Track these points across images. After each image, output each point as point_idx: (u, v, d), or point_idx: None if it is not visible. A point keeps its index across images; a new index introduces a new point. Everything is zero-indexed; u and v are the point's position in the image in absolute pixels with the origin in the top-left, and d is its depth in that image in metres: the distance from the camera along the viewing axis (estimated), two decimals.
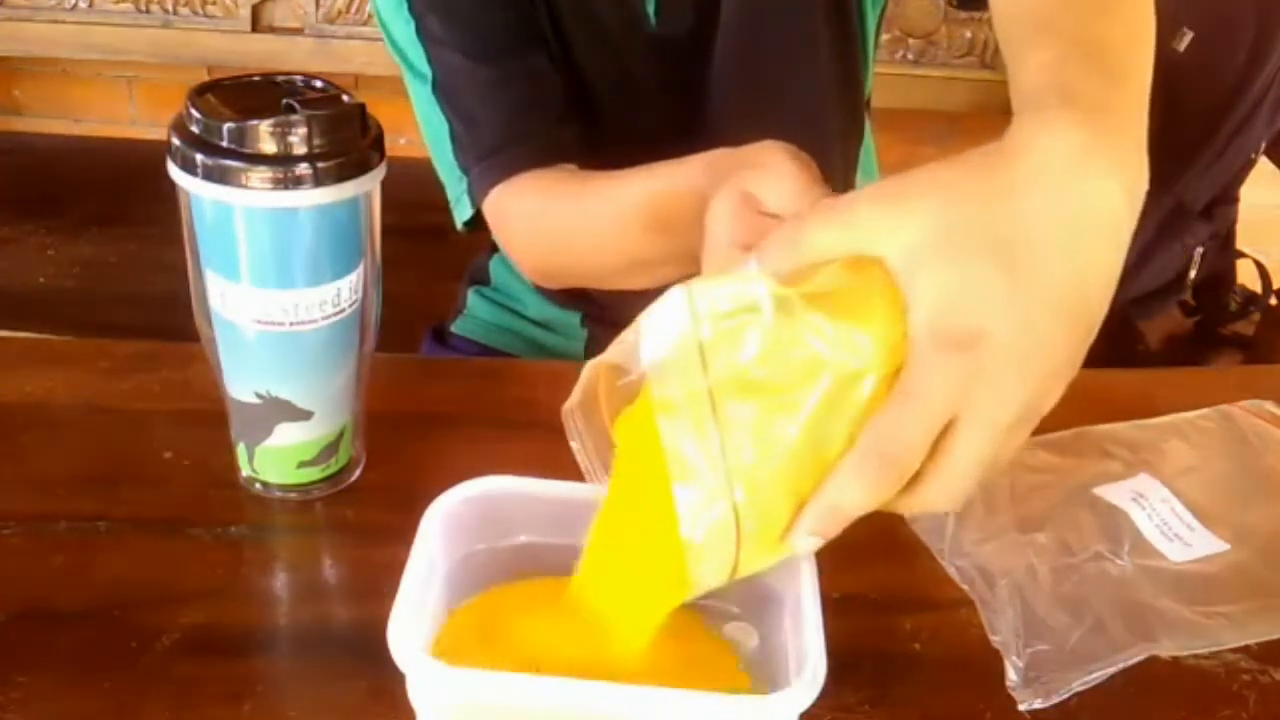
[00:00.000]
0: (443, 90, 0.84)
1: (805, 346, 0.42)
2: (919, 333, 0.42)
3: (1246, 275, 1.55)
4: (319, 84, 0.60)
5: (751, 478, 0.42)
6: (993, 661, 0.56)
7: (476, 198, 0.82)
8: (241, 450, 0.65)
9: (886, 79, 1.10)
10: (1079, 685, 0.55)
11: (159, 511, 0.64)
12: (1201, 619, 0.59)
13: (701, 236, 0.55)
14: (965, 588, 0.61)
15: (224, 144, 0.55)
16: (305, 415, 0.62)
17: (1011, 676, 0.55)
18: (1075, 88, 0.47)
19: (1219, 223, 1.49)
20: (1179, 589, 0.61)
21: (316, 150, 0.56)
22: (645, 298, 0.70)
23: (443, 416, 0.73)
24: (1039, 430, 0.45)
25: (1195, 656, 0.57)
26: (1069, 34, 0.50)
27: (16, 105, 2.04)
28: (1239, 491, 0.69)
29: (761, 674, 0.50)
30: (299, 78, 0.60)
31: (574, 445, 0.48)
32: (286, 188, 0.55)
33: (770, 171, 0.54)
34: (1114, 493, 0.67)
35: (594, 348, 1.01)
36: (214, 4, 1.73)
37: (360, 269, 0.61)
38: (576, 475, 0.53)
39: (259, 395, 0.62)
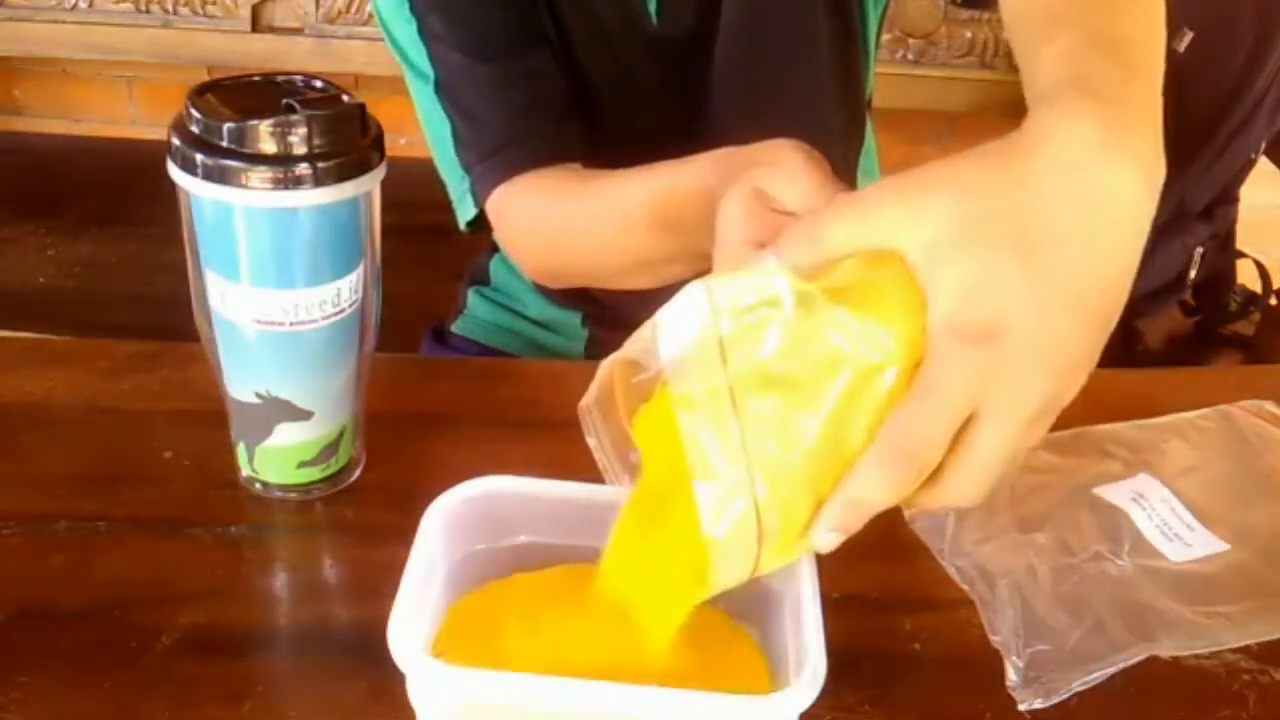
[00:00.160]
0: (445, 89, 0.83)
1: (825, 341, 0.41)
2: (939, 327, 0.42)
3: (1246, 275, 1.55)
4: (319, 84, 0.60)
5: (773, 473, 0.42)
6: (993, 661, 0.56)
7: (479, 197, 0.82)
8: (241, 450, 0.65)
9: (886, 79, 1.10)
10: (1079, 685, 0.55)
11: (159, 511, 0.64)
12: (1201, 619, 0.59)
13: (708, 235, 0.54)
14: (965, 588, 0.61)
15: (224, 144, 0.55)
16: (305, 415, 0.62)
17: (1011, 676, 0.55)
18: (1091, 79, 0.47)
19: (1219, 223, 1.49)
20: (1179, 589, 0.61)
21: (316, 150, 0.56)
22: (646, 297, 0.70)
23: (443, 416, 0.73)
24: None
25: (1195, 656, 0.57)
26: (1082, 28, 0.50)
27: (16, 105, 2.04)
28: (1239, 491, 0.69)
29: None
30: (299, 78, 0.60)
31: (591, 442, 0.48)
32: (286, 188, 0.55)
33: (782, 169, 0.53)
34: (1114, 493, 0.67)
35: (594, 348, 1.02)
36: (214, 4, 1.72)
37: (360, 269, 0.61)
38: (577, 475, 0.53)
39: (259, 395, 0.62)
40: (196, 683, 0.53)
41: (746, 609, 0.53)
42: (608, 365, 0.47)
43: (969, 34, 1.72)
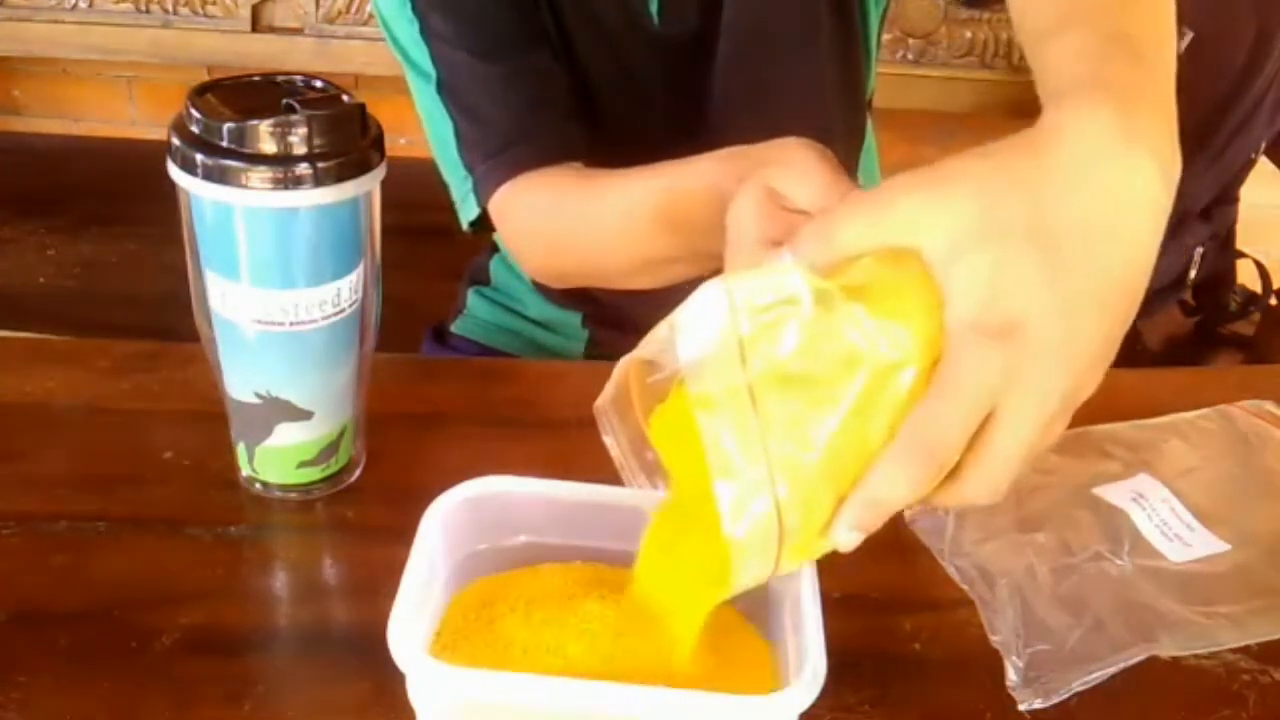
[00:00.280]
0: (448, 89, 0.83)
1: (844, 339, 0.41)
2: (957, 323, 0.42)
3: (1246, 275, 1.54)
4: (319, 84, 0.60)
5: (794, 472, 0.42)
6: (993, 661, 0.56)
7: (482, 196, 0.82)
8: (241, 450, 0.65)
9: (887, 79, 1.10)
10: (1079, 685, 0.55)
11: (159, 511, 0.64)
12: (1201, 619, 0.59)
13: (714, 235, 0.54)
14: (965, 588, 0.61)
15: (224, 144, 0.55)
16: (305, 415, 0.62)
17: (1011, 676, 0.55)
18: (1106, 75, 0.47)
19: (1219, 223, 1.49)
20: (1179, 589, 0.61)
21: (316, 150, 0.56)
22: (647, 298, 0.71)
23: (443, 416, 0.73)
24: None
25: (1195, 656, 0.57)
26: (1094, 25, 0.50)
27: (16, 105, 2.04)
28: (1239, 492, 0.69)
29: None
30: (299, 78, 0.60)
31: (607, 441, 0.48)
32: (286, 188, 0.55)
33: (794, 167, 0.53)
34: (1114, 493, 0.67)
35: (594, 348, 1.02)
36: (214, 4, 1.72)
37: (360, 269, 0.61)
38: (577, 475, 0.53)
39: (259, 395, 0.62)
40: (196, 683, 0.53)
41: (747, 609, 0.53)
42: (624, 365, 0.47)
43: (969, 34, 1.72)
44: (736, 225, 0.53)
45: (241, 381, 0.62)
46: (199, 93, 0.57)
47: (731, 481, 0.42)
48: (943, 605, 0.60)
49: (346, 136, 0.57)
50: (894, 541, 0.64)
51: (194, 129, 0.56)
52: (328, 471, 0.65)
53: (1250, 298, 1.52)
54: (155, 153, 0.59)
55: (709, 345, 0.42)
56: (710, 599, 0.47)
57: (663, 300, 0.51)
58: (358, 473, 0.67)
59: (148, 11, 1.74)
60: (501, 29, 0.83)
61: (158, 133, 0.97)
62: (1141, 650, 0.57)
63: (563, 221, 0.79)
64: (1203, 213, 1.46)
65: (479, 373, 0.83)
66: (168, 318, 0.71)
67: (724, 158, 0.64)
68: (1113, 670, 0.56)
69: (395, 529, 0.52)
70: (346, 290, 0.60)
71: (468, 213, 0.84)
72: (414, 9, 0.82)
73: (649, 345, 0.45)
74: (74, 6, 1.74)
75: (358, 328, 0.63)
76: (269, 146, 0.55)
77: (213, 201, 0.56)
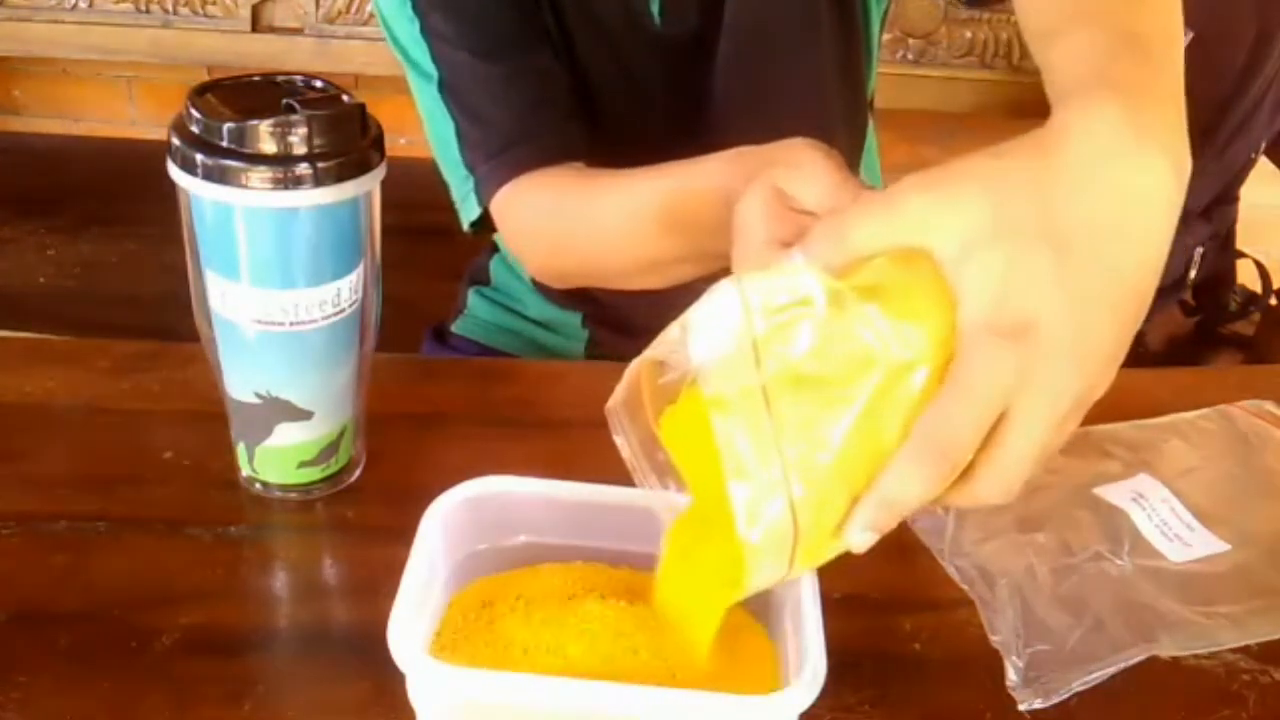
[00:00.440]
0: (449, 89, 0.83)
1: (858, 340, 0.41)
2: (970, 323, 0.42)
3: (1246, 275, 1.54)
4: (319, 84, 0.60)
5: (808, 474, 0.42)
6: (993, 661, 0.56)
7: (484, 196, 0.82)
8: (241, 450, 0.65)
9: (887, 79, 1.10)
10: (1079, 685, 0.55)
11: (159, 511, 0.64)
12: (1201, 619, 0.59)
13: (720, 236, 0.54)
14: (965, 588, 0.61)
15: (224, 144, 0.55)
16: (305, 415, 0.62)
17: (1011, 676, 0.55)
18: (1116, 74, 0.47)
19: (1219, 223, 1.49)
20: (1179, 589, 0.61)
21: (316, 150, 0.56)
22: (647, 298, 0.71)
23: (443, 416, 0.73)
24: None
25: (1195, 656, 0.57)
26: (1103, 23, 0.50)
27: (16, 105, 2.04)
28: (1239, 492, 0.69)
29: None
30: (299, 78, 0.60)
31: (618, 441, 0.48)
32: (286, 188, 0.55)
33: (802, 168, 0.53)
34: (1114, 493, 0.67)
35: (594, 348, 1.02)
36: (214, 4, 1.72)
37: (360, 269, 0.61)
38: (577, 475, 0.53)
39: (259, 395, 0.62)
40: (196, 683, 0.53)
41: (747, 609, 0.53)
42: (635, 366, 0.47)
43: (969, 34, 1.72)
44: (744, 226, 0.53)
45: (241, 381, 0.62)
46: (199, 93, 0.57)
47: (746, 483, 0.41)
48: (943, 605, 0.60)
49: (346, 136, 0.57)
50: (894, 541, 0.63)
51: (194, 129, 0.56)
52: (328, 471, 0.65)
53: (1250, 298, 1.52)
54: (155, 153, 0.59)
55: (723, 346, 0.42)
56: (725, 600, 0.47)
57: (663, 301, 0.51)
58: (358, 473, 0.67)
59: (148, 11, 1.74)
60: (502, 29, 0.83)
61: (158, 133, 0.98)
62: (1141, 650, 0.57)
63: (565, 221, 0.79)
64: (1203, 213, 1.46)
65: (479, 373, 0.83)
66: (168, 318, 0.71)
67: (731, 158, 0.64)
68: (1113, 670, 0.56)
69: (395, 529, 0.52)
70: (346, 290, 0.60)
71: (469, 213, 0.84)
72: (414, 8, 0.82)
73: (660, 346, 0.45)
74: (74, 6, 1.74)
75: (358, 328, 0.63)
76: (269, 146, 0.55)
77: (213, 201, 0.56)
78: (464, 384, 0.78)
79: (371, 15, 1.66)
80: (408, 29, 0.83)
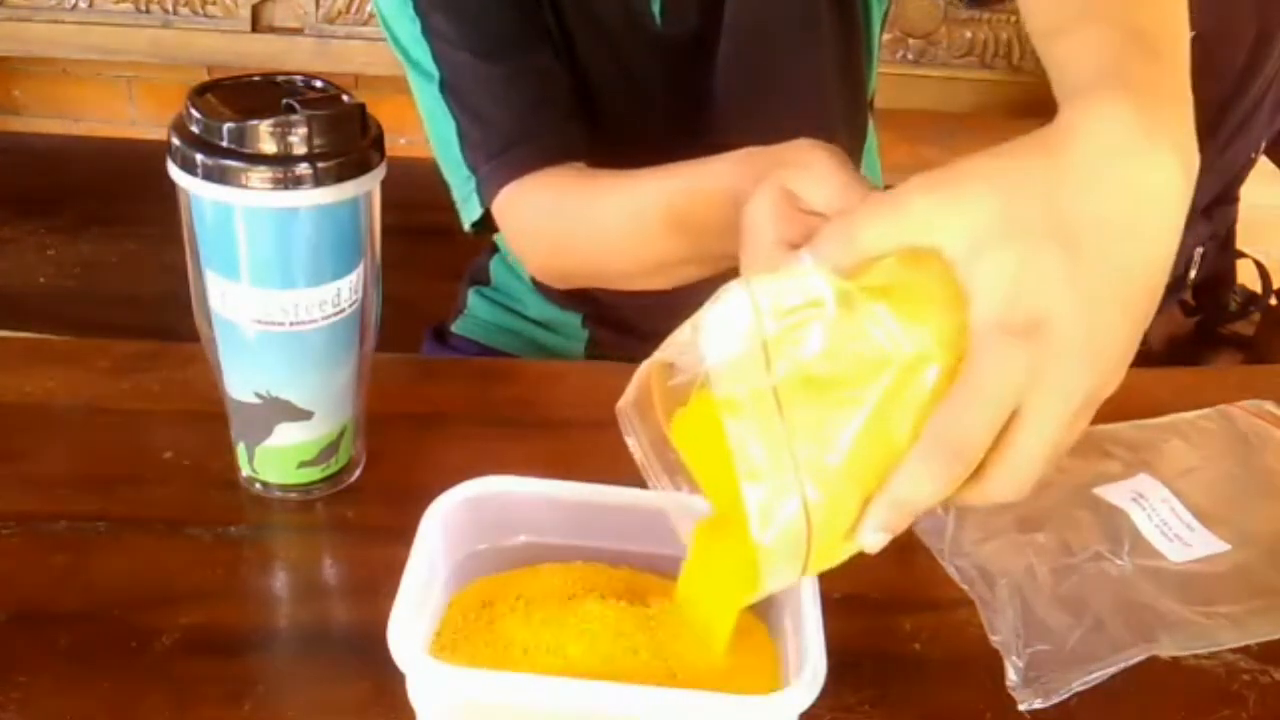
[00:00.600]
0: (450, 89, 0.83)
1: (868, 340, 0.41)
2: (981, 322, 0.42)
3: (1246, 275, 1.54)
4: (319, 84, 0.60)
5: (821, 475, 0.42)
6: (993, 661, 0.56)
7: (486, 196, 0.82)
8: (241, 450, 0.65)
9: (887, 79, 1.10)
10: (1079, 685, 0.55)
11: (159, 511, 0.64)
12: (1201, 619, 0.59)
13: (726, 237, 0.54)
14: (965, 588, 0.61)
15: (224, 144, 0.55)
16: (305, 415, 0.62)
17: (1011, 676, 0.55)
18: (1123, 71, 0.46)
19: (1219, 223, 1.49)
20: (1179, 589, 0.61)
21: (316, 150, 0.56)
22: (648, 299, 0.71)
23: (443, 416, 0.73)
24: None
25: (1195, 656, 0.57)
26: (1109, 21, 0.50)
27: (16, 105, 2.04)
28: (1239, 492, 0.69)
29: None
30: (299, 78, 0.60)
31: (630, 442, 0.48)
32: (286, 188, 0.55)
33: (811, 170, 0.53)
34: (1114, 493, 0.67)
35: (594, 348, 1.02)
36: (214, 4, 1.72)
37: (360, 269, 0.61)
38: (577, 475, 0.53)
39: (259, 395, 0.62)
40: (196, 683, 0.53)
41: (747, 609, 0.53)
42: (646, 367, 0.47)
43: (969, 34, 1.72)
44: (753, 227, 0.52)
45: (241, 381, 0.62)
46: (199, 93, 0.57)
47: (759, 485, 0.41)
48: (943, 605, 0.60)
49: (346, 136, 0.57)
50: (894, 541, 0.63)
51: (194, 129, 0.56)
52: (328, 471, 0.65)
53: (1250, 298, 1.52)
54: (155, 153, 0.59)
55: (733, 348, 0.42)
56: (740, 601, 0.47)
57: (664, 302, 0.51)
58: (358, 473, 0.67)
59: (148, 11, 1.74)
60: (503, 29, 0.83)
61: (158, 133, 0.98)
62: (1141, 650, 0.57)
63: (567, 222, 0.79)
64: (1203, 213, 1.46)
65: (479, 373, 0.83)
66: (168, 318, 0.71)
67: (738, 159, 0.63)
68: (1113, 670, 0.56)
69: (395, 529, 0.52)
70: (346, 290, 0.60)
71: (470, 213, 0.84)
72: (415, 9, 0.82)
73: (670, 348, 0.45)
74: (74, 6, 1.74)
75: (358, 328, 0.63)
76: (269, 146, 0.55)
77: (213, 201, 0.56)
78: (464, 384, 0.78)
79: (371, 15, 1.66)
80: (409, 29, 0.83)
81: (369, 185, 0.59)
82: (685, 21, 0.87)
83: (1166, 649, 0.57)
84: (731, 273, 0.49)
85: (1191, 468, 0.69)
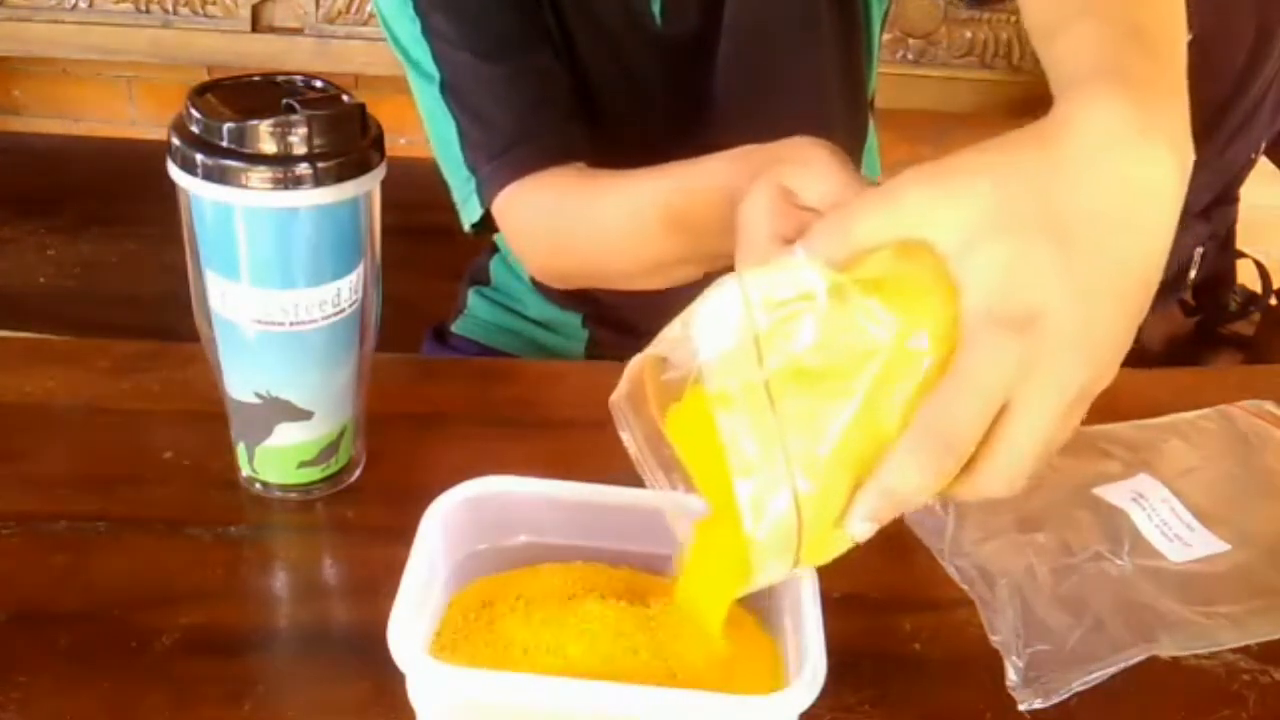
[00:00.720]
0: (451, 89, 0.83)
1: (860, 333, 0.41)
2: (972, 314, 0.42)
3: (1246, 275, 1.55)
4: (319, 84, 0.60)
5: (812, 467, 0.42)
6: (993, 661, 0.56)
7: (486, 197, 0.82)
8: (241, 450, 0.65)
9: (886, 79, 1.10)
10: (1079, 685, 0.55)
11: (159, 511, 0.64)
12: (1201, 619, 0.59)
13: (723, 236, 0.54)
14: (965, 588, 0.61)
15: (224, 144, 0.55)
16: (305, 415, 0.62)
17: (1011, 676, 0.55)
18: (1119, 65, 0.46)
19: (1219, 223, 1.49)
20: (1179, 589, 0.61)
21: (316, 150, 0.56)
22: (648, 299, 0.71)
23: (443, 416, 0.73)
24: None
25: (1195, 656, 0.57)
26: (1106, 16, 0.50)
27: (16, 105, 2.04)
28: (1239, 492, 0.69)
29: None
30: (299, 78, 0.60)
31: (624, 436, 0.48)
32: (286, 188, 0.55)
33: (808, 166, 0.53)
34: (1114, 493, 0.67)
35: (594, 348, 1.02)
36: (214, 4, 1.72)
37: (360, 269, 0.61)
38: (577, 475, 0.53)
39: (259, 395, 0.62)
40: (196, 683, 0.53)
41: (747, 609, 0.53)
42: (638, 361, 0.47)
43: (969, 34, 1.72)
44: (749, 223, 0.52)
45: (241, 381, 0.62)
46: (199, 93, 0.57)
47: (751, 479, 0.41)
48: (943, 605, 0.60)
49: (346, 136, 0.57)
50: (894, 541, 0.64)
51: (194, 129, 0.56)
52: (328, 471, 0.65)
53: (1250, 298, 1.52)
54: (155, 153, 0.59)
55: (725, 342, 0.42)
56: (731, 593, 0.47)
57: (664, 301, 0.51)
58: (358, 473, 0.67)
59: (148, 11, 1.74)
60: (504, 29, 0.83)
61: (158, 133, 0.97)
62: (1141, 650, 0.57)
63: (566, 222, 0.79)
64: (1203, 213, 1.46)
65: (479, 373, 0.83)
66: (168, 318, 0.71)
67: (735, 157, 0.63)
68: (1113, 670, 0.56)
69: (395, 529, 0.52)
70: (346, 290, 0.60)
71: (470, 214, 0.84)
72: (415, 9, 0.82)
73: (662, 343, 0.45)
74: (74, 6, 1.74)
75: (358, 328, 0.63)
76: (269, 146, 0.55)
77: (213, 201, 0.56)
78: (464, 384, 0.78)
79: (371, 15, 1.66)
80: (409, 30, 0.83)
81: (369, 185, 0.59)
82: (685, 21, 0.87)
83: (1166, 649, 0.57)
84: (731, 271, 0.49)
85: (1191, 468, 0.69)
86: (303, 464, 0.64)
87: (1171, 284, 1.48)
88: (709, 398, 0.42)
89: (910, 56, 1.73)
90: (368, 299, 0.63)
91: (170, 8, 1.73)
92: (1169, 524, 0.65)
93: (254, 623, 0.58)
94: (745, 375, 0.41)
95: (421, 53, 0.84)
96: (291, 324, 0.59)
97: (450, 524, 0.52)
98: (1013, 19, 1.69)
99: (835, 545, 0.45)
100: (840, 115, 0.95)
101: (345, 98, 0.59)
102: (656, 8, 0.87)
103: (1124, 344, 0.44)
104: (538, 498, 0.53)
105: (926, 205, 0.43)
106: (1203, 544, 0.64)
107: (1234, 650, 0.58)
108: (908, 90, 1.70)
